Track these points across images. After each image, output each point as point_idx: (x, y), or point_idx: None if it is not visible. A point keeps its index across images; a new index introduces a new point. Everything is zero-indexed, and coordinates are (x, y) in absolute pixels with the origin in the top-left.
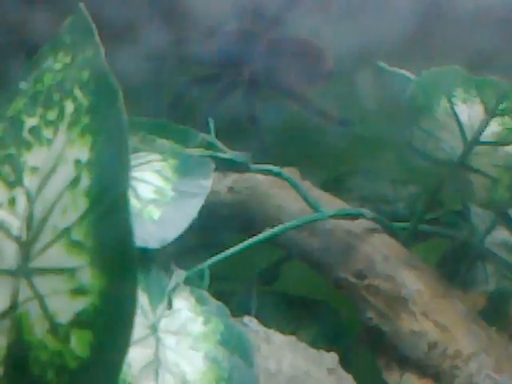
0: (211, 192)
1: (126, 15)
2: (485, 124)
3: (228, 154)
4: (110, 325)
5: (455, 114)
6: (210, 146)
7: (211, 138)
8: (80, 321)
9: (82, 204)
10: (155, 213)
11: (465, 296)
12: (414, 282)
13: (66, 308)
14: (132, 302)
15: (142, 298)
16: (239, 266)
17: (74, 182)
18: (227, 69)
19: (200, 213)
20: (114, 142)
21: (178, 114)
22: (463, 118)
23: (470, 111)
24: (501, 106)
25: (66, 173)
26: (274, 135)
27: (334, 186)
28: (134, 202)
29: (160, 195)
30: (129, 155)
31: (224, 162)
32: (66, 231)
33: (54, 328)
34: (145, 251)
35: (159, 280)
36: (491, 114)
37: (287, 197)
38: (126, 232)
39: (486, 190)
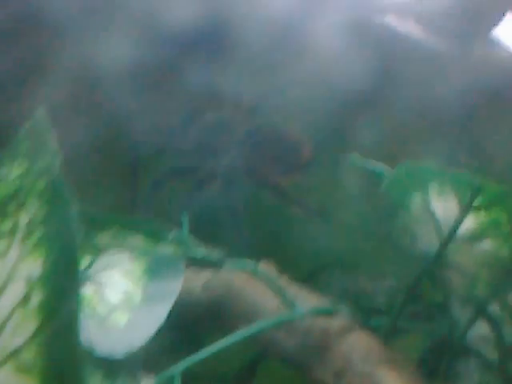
0: (184, 290)
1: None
2: (460, 220)
3: (202, 250)
4: None
5: (430, 210)
6: (182, 242)
7: (184, 233)
8: None
9: (32, 324)
10: (122, 319)
11: None
12: (394, 381)
13: None
14: None
15: None
16: (213, 365)
17: (25, 299)
18: (204, 160)
19: (173, 313)
20: (66, 256)
21: (153, 206)
22: (439, 213)
23: (445, 206)
24: (475, 202)
25: (16, 290)
26: (252, 227)
27: (311, 279)
28: (99, 308)
29: (127, 300)
30: (78, 271)
31: (197, 259)
32: (16, 352)
33: None
34: (110, 360)
35: None
36: (466, 209)
37: (264, 294)
38: (76, 355)
39: (465, 287)
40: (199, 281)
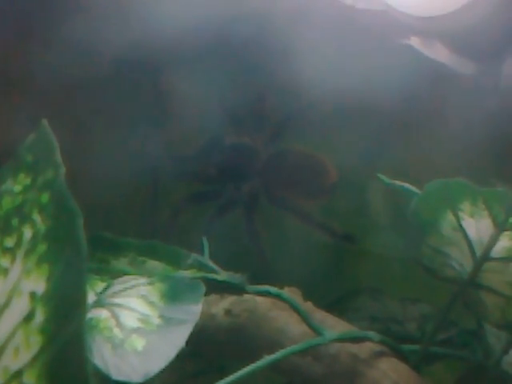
0: (207, 316)
1: (122, 132)
2: (494, 239)
3: (222, 275)
4: None
5: (462, 229)
6: (202, 267)
7: (205, 258)
8: None
9: (36, 342)
10: (139, 343)
11: None
12: None
13: None
14: None
15: None
16: None
17: (28, 317)
18: (226, 185)
19: (195, 339)
20: (71, 272)
21: (173, 232)
22: (471, 232)
23: (477, 225)
24: (510, 220)
25: (20, 307)
26: (275, 253)
27: (339, 305)
28: (116, 332)
29: (145, 323)
30: (86, 287)
31: (220, 283)
32: (18, 373)
33: None
34: None
35: None
36: (501, 227)
37: (288, 319)
38: (81, 376)
39: (500, 310)
40: (222, 306)
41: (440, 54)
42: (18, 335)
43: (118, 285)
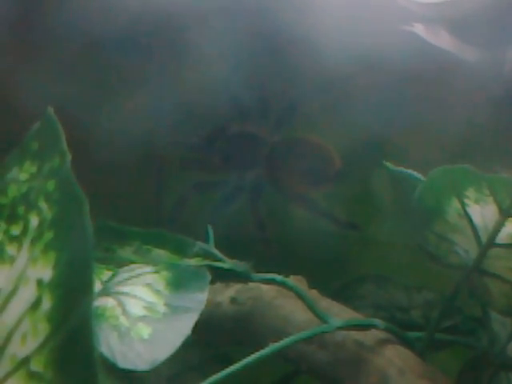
0: (213, 304)
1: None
2: (499, 225)
3: (227, 263)
4: None
5: (467, 216)
6: (208, 255)
7: (210, 247)
8: None
9: (43, 330)
10: (145, 331)
11: None
12: None
13: None
14: None
15: None
16: (243, 381)
17: (35, 304)
18: (231, 174)
19: (201, 328)
20: (77, 259)
21: (179, 220)
22: (476, 219)
23: (483, 212)
24: None
25: (27, 294)
26: (280, 241)
27: (344, 293)
28: (122, 320)
29: (151, 311)
30: (93, 273)
31: (225, 273)
32: (25, 361)
33: None
34: (134, 373)
35: None
36: (506, 214)
37: (293, 307)
38: (89, 361)
39: (505, 296)
40: (227, 294)
41: (443, 40)
42: (25, 322)
43: (124, 273)
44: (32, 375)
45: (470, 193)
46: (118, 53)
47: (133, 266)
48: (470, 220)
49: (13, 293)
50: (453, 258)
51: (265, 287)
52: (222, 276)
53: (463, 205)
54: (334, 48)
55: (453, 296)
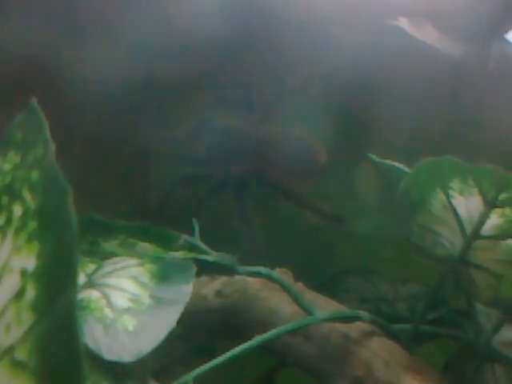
0: (198, 297)
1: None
2: (484, 216)
3: (213, 256)
4: None
5: (452, 207)
6: (193, 248)
7: (195, 239)
8: None
9: (27, 319)
10: (130, 322)
11: None
12: None
13: None
14: None
15: None
16: (229, 376)
17: (19, 294)
18: (215, 168)
19: (186, 321)
20: (62, 248)
21: (165, 215)
22: (461, 210)
23: (467, 203)
24: (500, 197)
25: (11, 284)
26: (266, 235)
27: (329, 286)
28: (107, 312)
29: (136, 303)
30: (77, 263)
31: (211, 265)
32: (9, 350)
33: None
34: (119, 365)
35: None
36: (491, 205)
37: (279, 300)
38: (74, 350)
39: (490, 287)
40: (212, 287)
41: (428, 34)
42: (9, 312)
43: (109, 266)
44: (16, 364)
45: (455, 184)
46: None
47: (117, 258)
48: (455, 212)
49: None
50: (438, 250)
51: (250, 280)
52: (207, 269)
53: (448, 196)
54: (319, 42)
55: (438, 287)
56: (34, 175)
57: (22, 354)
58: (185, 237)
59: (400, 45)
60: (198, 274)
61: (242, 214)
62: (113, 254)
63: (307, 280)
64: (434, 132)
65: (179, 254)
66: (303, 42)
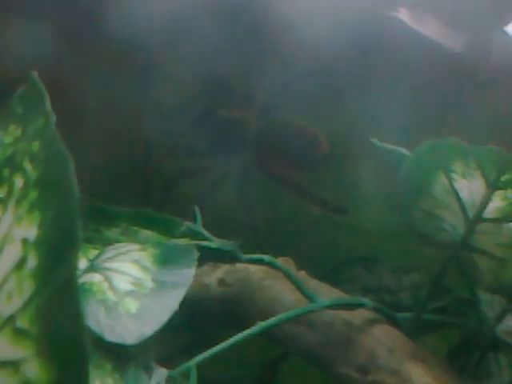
0: (200, 286)
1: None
2: (487, 199)
3: (215, 242)
4: None
5: (454, 191)
6: (195, 235)
7: (197, 226)
8: None
9: (28, 287)
10: (132, 305)
11: None
12: (421, 376)
13: None
14: None
15: None
16: (233, 367)
17: (20, 263)
18: (218, 159)
19: (188, 310)
20: (63, 216)
21: (167, 208)
22: (463, 194)
23: (470, 186)
24: (502, 178)
25: (12, 253)
26: (269, 225)
27: (332, 277)
28: (109, 295)
29: (138, 287)
30: (79, 230)
31: (213, 254)
32: (11, 318)
33: None
34: (121, 348)
35: (138, 379)
36: (493, 187)
37: (282, 288)
38: (75, 316)
39: (493, 272)
40: (215, 276)
41: (428, 26)
42: (11, 281)
43: (111, 251)
44: (17, 332)
45: (457, 167)
46: None
47: (120, 244)
48: (457, 195)
49: None
50: (440, 236)
51: (253, 268)
52: (209, 257)
53: (450, 180)
54: (319, 33)
55: (440, 273)
56: (35, 146)
57: (23, 322)
58: (187, 224)
59: (399, 37)
60: (201, 263)
61: (244, 206)
62: (115, 242)
63: (309, 271)
64: (434, 126)
65: (182, 241)
66: (302, 33)
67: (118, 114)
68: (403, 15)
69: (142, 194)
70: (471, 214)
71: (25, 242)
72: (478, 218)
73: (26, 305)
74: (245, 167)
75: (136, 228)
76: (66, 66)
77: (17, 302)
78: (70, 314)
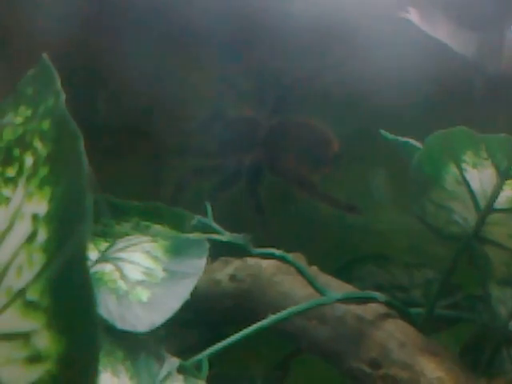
0: (212, 282)
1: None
2: (498, 189)
3: (226, 236)
4: None
5: (466, 182)
6: (206, 228)
7: (208, 220)
8: None
9: (39, 260)
10: (144, 294)
11: None
12: (433, 370)
13: (20, 378)
14: (93, 367)
15: None
16: (244, 363)
17: (31, 237)
18: (228, 158)
19: (200, 306)
20: (73, 191)
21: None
22: (474, 184)
23: (481, 177)
24: None
25: (22, 229)
26: (279, 225)
27: (343, 274)
28: (120, 284)
29: (149, 276)
30: (89, 205)
31: (224, 249)
32: (22, 292)
33: None
34: (133, 336)
35: (149, 367)
36: (504, 176)
37: (293, 283)
38: (85, 287)
39: (504, 264)
40: (226, 272)
41: (439, 28)
42: (21, 255)
43: (122, 243)
44: (28, 304)
45: (468, 157)
46: None
47: (131, 236)
48: (468, 186)
49: (8, 229)
50: (452, 228)
51: (264, 264)
52: (221, 251)
53: (461, 170)
54: (328, 32)
55: (452, 266)
56: (45, 124)
57: (33, 295)
58: (198, 217)
59: (409, 39)
60: (212, 259)
61: (256, 205)
62: (126, 235)
63: (321, 268)
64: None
65: (193, 235)
66: (313, 33)
67: (130, 113)
68: (414, 16)
69: (154, 195)
70: (482, 204)
71: (35, 217)
72: (490, 208)
73: (36, 277)
74: (256, 166)
75: (147, 223)
76: None
77: (27, 275)
78: (79, 284)
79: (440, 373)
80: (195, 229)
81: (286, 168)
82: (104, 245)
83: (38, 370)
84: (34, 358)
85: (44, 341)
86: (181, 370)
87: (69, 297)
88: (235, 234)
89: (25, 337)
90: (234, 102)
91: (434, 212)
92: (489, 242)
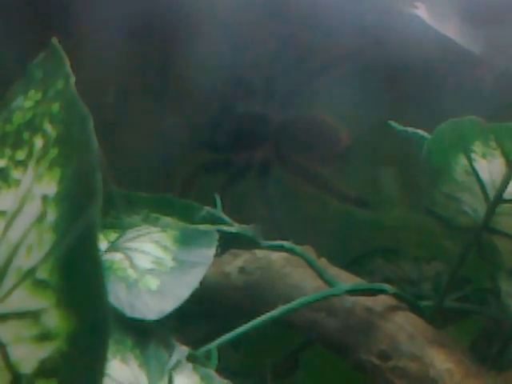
0: (221, 275)
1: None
2: (507, 178)
3: (235, 227)
4: (78, 372)
5: (475, 172)
6: (216, 220)
7: (218, 212)
8: (45, 369)
9: (48, 240)
10: (153, 282)
11: (500, 376)
12: (443, 362)
13: (30, 356)
14: (103, 345)
15: (140, 376)
16: (253, 355)
17: (41, 218)
18: (238, 153)
19: (209, 299)
20: (83, 171)
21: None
22: (483, 175)
23: (490, 166)
24: None
25: (32, 210)
26: (289, 219)
27: (352, 268)
28: (129, 272)
29: (158, 265)
30: (99, 184)
31: (233, 241)
32: (31, 271)
33: (18, 379)
34: (142, 324)
35: (158, 356)
36: None
37: (302, 276)
38: (94, 265)
39: None
40: (235, 264)
41: (447, 24)
42: (31, 235)
43: (132, 233)
44: (38, 283)
45: (477, 147)
46: None
47: (140, 227)
48: (478, 176)
49: (18, 211)
50: (461, 219)
51: (273, 257)
52: (230, 243)
53: (470, 160)
54: (337, 27)
55: (462, 258)
56: (55, 107)
57: (43, 273)
58: (207, 209)
59: (417, 36)
60: (221, 251)
61: (265, 199)
62: (136, 226)
63: (330, 263)
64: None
65: (203, 227)
66: (321, 26)
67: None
68: (422, 11)
69: (164, 190)
70: (492, 195)
71: (45, 198)
72: (499, 198)
73: (46, 256)
74: (265, 161)
75: (157, 215)
76: None
77: (37, 255)
78: (89, 263)
79: (449, 364)
80: (204, 220)
81: (295, 163)
82: (114, 235)
83: (48, 348)
84: (44, 336)
85: (53, 319)
86: (190, 358)
87: (78, 275)
88: (244, 225)
89: (34, 315)
90: (243, 97)
91: (444, 203)
92: (498, 232)
